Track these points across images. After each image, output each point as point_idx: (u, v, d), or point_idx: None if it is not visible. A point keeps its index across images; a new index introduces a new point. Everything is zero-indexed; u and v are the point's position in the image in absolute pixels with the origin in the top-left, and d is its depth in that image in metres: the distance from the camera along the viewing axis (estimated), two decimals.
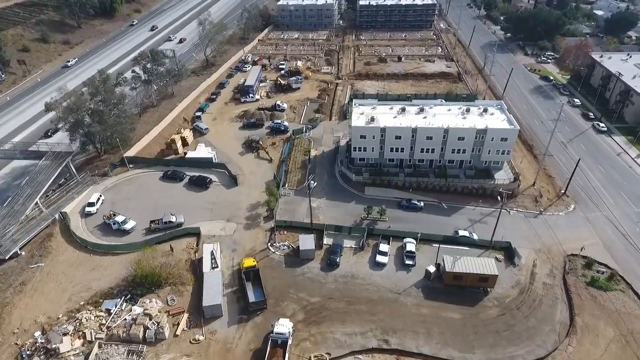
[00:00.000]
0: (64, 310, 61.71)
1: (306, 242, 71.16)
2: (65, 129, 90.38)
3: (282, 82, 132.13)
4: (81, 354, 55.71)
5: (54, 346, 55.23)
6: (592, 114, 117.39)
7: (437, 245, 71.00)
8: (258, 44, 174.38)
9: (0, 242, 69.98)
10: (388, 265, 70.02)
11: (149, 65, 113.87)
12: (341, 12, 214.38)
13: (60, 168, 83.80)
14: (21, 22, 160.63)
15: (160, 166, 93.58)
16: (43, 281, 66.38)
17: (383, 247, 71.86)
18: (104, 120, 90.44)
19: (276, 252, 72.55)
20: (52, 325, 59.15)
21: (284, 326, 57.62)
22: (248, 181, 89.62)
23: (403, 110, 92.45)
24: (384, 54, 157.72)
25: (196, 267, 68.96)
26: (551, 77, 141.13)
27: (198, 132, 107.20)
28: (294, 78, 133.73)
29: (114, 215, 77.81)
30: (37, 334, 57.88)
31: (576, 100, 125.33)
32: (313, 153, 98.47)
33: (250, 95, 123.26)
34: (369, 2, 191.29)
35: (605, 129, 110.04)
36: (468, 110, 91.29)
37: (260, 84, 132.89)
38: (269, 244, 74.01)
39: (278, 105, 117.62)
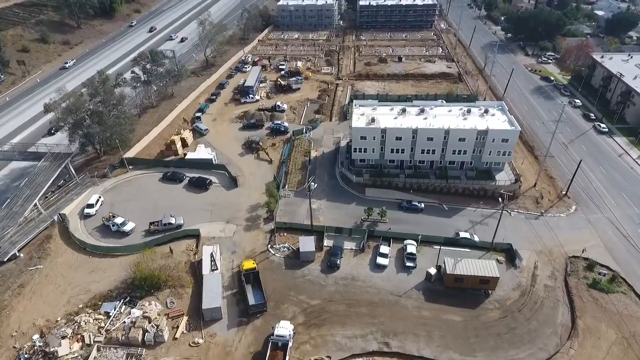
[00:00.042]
0: (62, 313, 61.34)
1: (306, 244, 70.82)
2: (64, 130, 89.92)
3: (282, 82, 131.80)
4: (80, 357, 55.26)
5: (52, 349, 54.78)
6: (593, 115, 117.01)
7: (438, 247, 70.66)
8: (258, 45, 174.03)
9: None
10: (389, 267, 69.65)
11: (148, 66, 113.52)
12: (341, 12, 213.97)
13: (60, 169, 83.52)
14: (21, 22, 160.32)
15: (159, 167, 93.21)
16: (42, 283, 66.00)
17: (384, 249, 71.51)
18: (103, 121, 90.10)
19: (276, 254, 72.20)
20: (50, 328, 58.76)
21: (284, 329, 57.31)
22: (248, 182, 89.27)
23: (404, 111, 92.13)
24: (384, 55, 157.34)
25: (196, 269, 68.54)
26: (552, 78, 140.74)
27: (198, 133, 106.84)
28: (294, 79, 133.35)
29: (113, 216, 77.44)
30: (36, 337, 57.49)
31: (577, 101, 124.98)
32: (313, 154, 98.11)
33: (250, 95, 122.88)
34: (369, 3, 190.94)
35: (607, 129, 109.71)
36: (469, 111, 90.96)
37: (260, 85, 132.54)
38: (269, 245, 73.65)
39: (278, 106, 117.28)
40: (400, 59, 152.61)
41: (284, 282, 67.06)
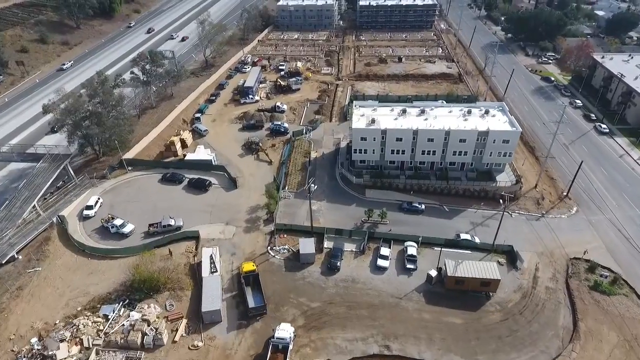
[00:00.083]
0: (61, 315, 60.91)
1: (306, 245, 70.49)
2: (63, 131, 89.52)
3: (282, 83, 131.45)
4: None
5: (50, 353, 54.42)
6: (593, 116, 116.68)
7: (439, 249, 70.31)
8: (258, 45, 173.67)
9: None
10: (389, 269, 69.29)
11: (147, 67, 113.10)
12: (341, 12, 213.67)
13: (58, 171, 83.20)
14: (20, 22, 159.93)
15: (159, 168, 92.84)
16: (40, 286, 65.56)
17: (384, 250, 71.14)
18: (102, 122, 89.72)
19: (276, 256, 71.82)
20: (49, 331, 58.33)
21: (285, 331, 57.00)
22: (248, 183, 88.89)
23: (404, 112, 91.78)
24: (384, 55, 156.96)
25: (195, 271, 68.15)
26: (552, 78, 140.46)
27: (197, 134, 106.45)
28: (293, 79, 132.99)
29: (113, 218, 77.03)
30: (34, 340, 57.04)
31: (578, 101, 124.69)
32: (313, 155, 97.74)
33: (250, 96, 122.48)
34: (369, 3, 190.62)
35: (607, 130, 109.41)
36: (469, 112, 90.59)
37: (260, 85, 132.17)
38: (269, 247, 73.28)
39: (278, 106, 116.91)
40: (400, 60, 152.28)
41: (284, 285, 66.68)
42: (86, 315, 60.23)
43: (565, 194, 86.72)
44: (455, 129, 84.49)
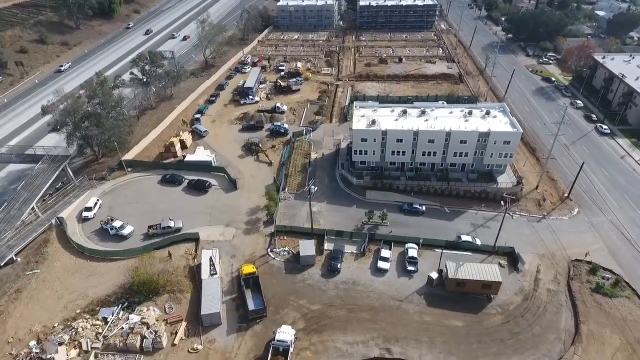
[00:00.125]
0: (59, 318, 60.49)
1: (307, 247, 70.13)
2: (62, 132, 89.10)
3: (282, 83, 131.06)
4: None
5: (49, 356, 53.98)
6: (594, 116, 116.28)
7: (440, 251, 69.94)
8: (258, 45, 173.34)
9: None
10: (390, 271, 68.92)
11: (147, 67, 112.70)
12: (341, 12, 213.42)
13: (57, 172, 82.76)
14: (19, 23, 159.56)
15: (158, 170, 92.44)
16: (39, 288, 65.13)
17: (385, 252, 70.77)
18: (101, 123, 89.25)
19: (276, 258, 71.43)
20: (47, 334, 57.92)
21: (286, 333, 56.62)
22: (248, 185, 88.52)
23: (404, 112, 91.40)
24: (385, 55, 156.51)
25: (195, 273, 67.78)
26: (553, 79, 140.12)
27: (197, 135, 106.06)
28: (293, 79, 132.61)
29: (112, 220, 76.66)
30: (32, 343, 56.65)
31: (578, 102, 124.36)
32: (313, 156, 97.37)
33: (250, 97, 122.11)
34: (369, 3, 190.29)
35: (608, 131, 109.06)
36: (470, 113, 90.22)
37: (260, 86, 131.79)
38: (269, 249, 72.89)
39: (278, 107, 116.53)
40: (400, 60, 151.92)
41: (284, 287, 66.29)
42: (85, 318, 59.84)
43: (566, 195, 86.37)
44: (456, 130, 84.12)
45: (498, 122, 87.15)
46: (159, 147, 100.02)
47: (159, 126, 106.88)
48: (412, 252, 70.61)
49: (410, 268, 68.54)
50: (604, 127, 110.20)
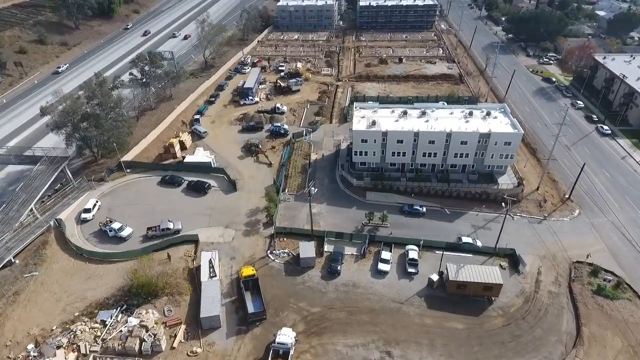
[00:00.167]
0: (58, 321, 60.11)
1: (306, 249, 69.77)
2: (61, 133, 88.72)
3: (282, 84, 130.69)
4: None
5: None
6: (595, 117, 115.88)
7: (440, 253, 69.55)
8: (257, 46, 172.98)
9: None
10: (390, 273, 68.56)
11: (146, 68, 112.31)
12: (341, 12, 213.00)
13: (56, 173, 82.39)
14: (18, 23, 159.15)
15: (158, 171, 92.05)
16: (37, 291, 64.75)
17: (385, 254, 70.40)
18: (100, 124, 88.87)
19: (276, 260, 71.06)
20: (45, 337, 57.53)
21: (286, 336, 56.27)
22: (247, 186, 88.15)
23: (405, 113, 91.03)
24: (385, 56, 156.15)
25: (194, 275, 67.41)
26: (554, 79, 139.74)
27: (196, 136, 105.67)
28: (293, 80, 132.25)
29: (111, 222, 76.30)
30: (30, 346, 56.29)
31: (579, 102, 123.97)
32: (313, 157, 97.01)
33: (250, 97, 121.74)
34: (369, 3, 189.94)
35: (609, 131, 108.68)
36: (471, 114, 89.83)
37: (260, 86, 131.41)
38: (269, 251, 72.51)
39: (278, 107, 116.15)
40: (400, 60, 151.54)
41: (283, 289, 65.92)
42: (83, 321, 59.48)
43: (567, 196, 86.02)
44: (456, 131, 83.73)
45: (499, 123, 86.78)
46: (159, 148, 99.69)
47: (158, 127, 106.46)
48: (413, 254, 70.28)
49: (410, 270, 68.16)
50: (605, 127, 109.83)
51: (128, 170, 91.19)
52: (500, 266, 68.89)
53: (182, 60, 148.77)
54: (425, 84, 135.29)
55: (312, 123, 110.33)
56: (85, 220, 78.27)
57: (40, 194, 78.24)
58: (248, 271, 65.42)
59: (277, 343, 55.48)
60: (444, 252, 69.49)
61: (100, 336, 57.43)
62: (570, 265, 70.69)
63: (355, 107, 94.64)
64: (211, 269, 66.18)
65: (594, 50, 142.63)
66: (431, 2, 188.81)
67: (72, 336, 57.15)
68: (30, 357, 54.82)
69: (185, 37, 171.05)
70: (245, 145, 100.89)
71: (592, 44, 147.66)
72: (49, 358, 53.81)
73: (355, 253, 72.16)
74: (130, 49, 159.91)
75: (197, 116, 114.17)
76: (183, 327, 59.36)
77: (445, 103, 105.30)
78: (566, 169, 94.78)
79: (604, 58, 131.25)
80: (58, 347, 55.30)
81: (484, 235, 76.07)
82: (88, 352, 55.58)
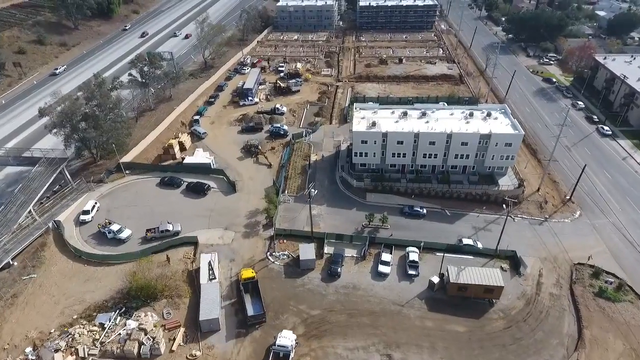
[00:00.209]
0: (56, 324, 59.71)
1: (306, 251, 69.41)
2: (59, 135, 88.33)
3: (282, 84, 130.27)
4: None
5: None
6: (596, 117, 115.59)
7: (441, 254, 69.20)
8: (257, 46, 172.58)
9: None
10: (390, 275, 68.22)
11: (146, 69, 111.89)
12: (341, 13, 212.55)
13: (55, 174, 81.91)
14: (17, 23, 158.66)
15: (157, 172, 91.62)
16: (35, 293, 64.36)
17: (385, 256, 70.04)
18: (99, 125, 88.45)
19: (275, 262, 70.69)
20: (43, 340, 57.11)
21: (287, 338, 55.97)
22: (247, 187, 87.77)
23: (405, 114, 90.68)
24: (385, 56, 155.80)
25: (193, 278, 67.01)
26: (554, 79, 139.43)
27: (196, 137, 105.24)
28: (293, 80, 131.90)
29: (110, 223, 75.89)
30: (28, 350, 55.93)
31: (580, 102, 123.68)
32: (313, 158, 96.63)
33: (249, 98, 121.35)
34: (369, 3, 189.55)
35: (610, 132, 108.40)
36: (471, 115, 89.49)
37: (259, 87, 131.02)
38: (268, 253, 72.14)
39: (277, 108, 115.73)
40: (400, 61, 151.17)
41: (283, 292, 65.56)
42: (82, 324, 59.08)
43: (568, 197, 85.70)
44: (457, 132, 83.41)
45: (499, 124, 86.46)
46: (158, 149, 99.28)
47: (158, 128, 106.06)
48: (413, 255, 69.91)
49: (411, 272, 67.81)
50: (606, 128, 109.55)
51: (127, 172, 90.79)
52: (501, 268, 68.53)
53: (181, 60, 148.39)
54: (425, 85, 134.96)
55: (312, 124, 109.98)
56: (84, 222, 77.87)
57: (39, 195, 77.81)
58: (248, 273, 65.05)
59: (278, 345, 55.20)
60: (445, 254, 69.11)
61: (98, 339, 56.99)
62: (571, 267, 70.37)
63: (355, 108, 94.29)
64: (210, 271, 65.79)
65: (595, 50, 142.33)
66: (431, 3, 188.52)
67: (70, 339, 56.74)
68: None
69: (187, 37, 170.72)
70: (244, 146, 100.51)
71: (592, 44, 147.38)
72: None
73: (355, 255, 71.84)
74: (130, 49, 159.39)
75: (196, 117, 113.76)
76: (182, 330, 58.97)
77: (445, 104, 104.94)
78: (567, 170, 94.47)
79: (605, 58, 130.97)
80: (56, 351, 54.88)
81: (485, 236, 75.74)
82: (86, 355, 55.19)
